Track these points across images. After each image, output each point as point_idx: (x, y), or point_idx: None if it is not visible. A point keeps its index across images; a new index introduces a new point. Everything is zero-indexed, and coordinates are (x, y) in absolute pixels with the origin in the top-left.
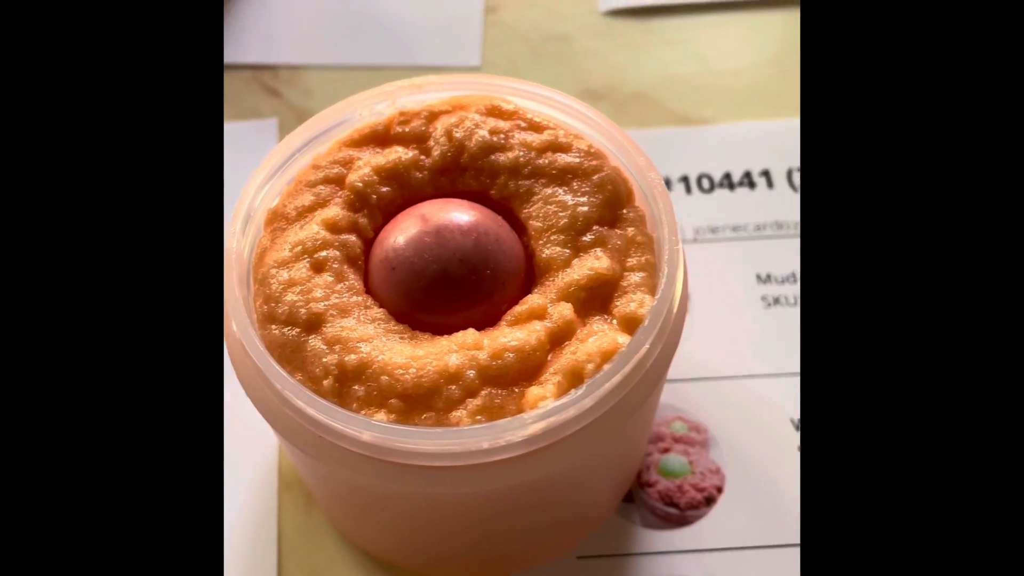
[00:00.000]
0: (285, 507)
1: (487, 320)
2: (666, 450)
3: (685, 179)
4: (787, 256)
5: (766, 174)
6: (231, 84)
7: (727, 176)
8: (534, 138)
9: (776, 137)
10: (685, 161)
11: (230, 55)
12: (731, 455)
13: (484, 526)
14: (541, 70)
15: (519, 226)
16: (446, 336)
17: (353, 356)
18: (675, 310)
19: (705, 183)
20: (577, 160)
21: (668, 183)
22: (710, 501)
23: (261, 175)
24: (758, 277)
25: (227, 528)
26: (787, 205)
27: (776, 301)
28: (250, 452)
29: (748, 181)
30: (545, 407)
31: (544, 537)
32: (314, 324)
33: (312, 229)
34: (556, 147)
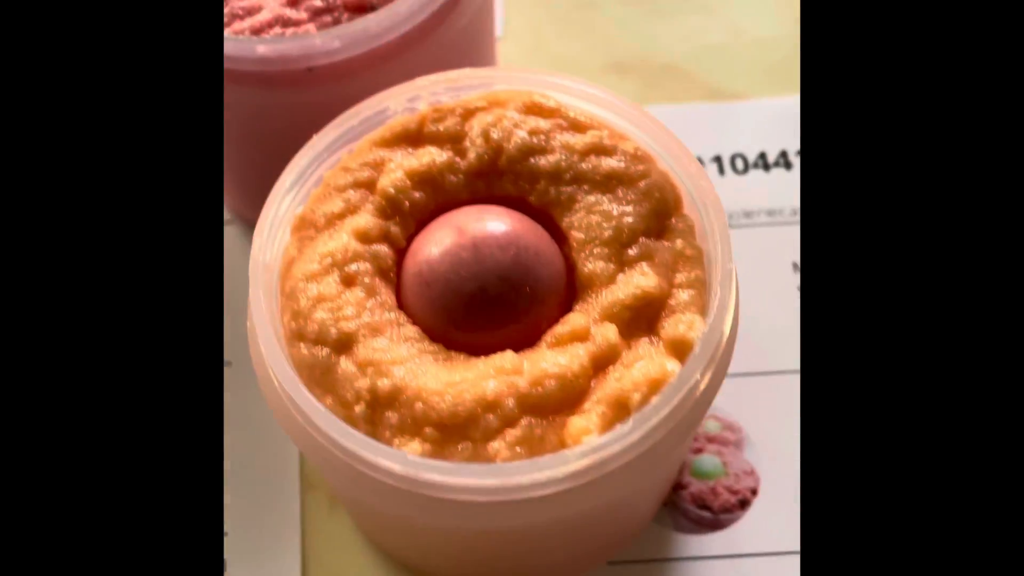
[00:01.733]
0: (308, 508)
1: (526, 339)
2: (698, 450)
3: (718, 159)
4: None
5: None
6: None
7: (762, 156)
8: (577, 140)
9: None
10: (718, 139)
11: None
12: (766, 455)
13: (519, 553)
14: (566, 40)
15: (559, 235)
16: (483, 358)
17: (386, 381)
18: (727, 335)
19: (739, 163)
20: (622, 165)
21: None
22: (744, 504)
23: (289, 177)
24: (794, 266)
25: (250, 530)
26: None
27: None
28: (270, 453)
29: (784, 161)
30: (589, 443)
31: (580, 554)
32: (345, 344)
33: (342, 239)
34: (600, 150)
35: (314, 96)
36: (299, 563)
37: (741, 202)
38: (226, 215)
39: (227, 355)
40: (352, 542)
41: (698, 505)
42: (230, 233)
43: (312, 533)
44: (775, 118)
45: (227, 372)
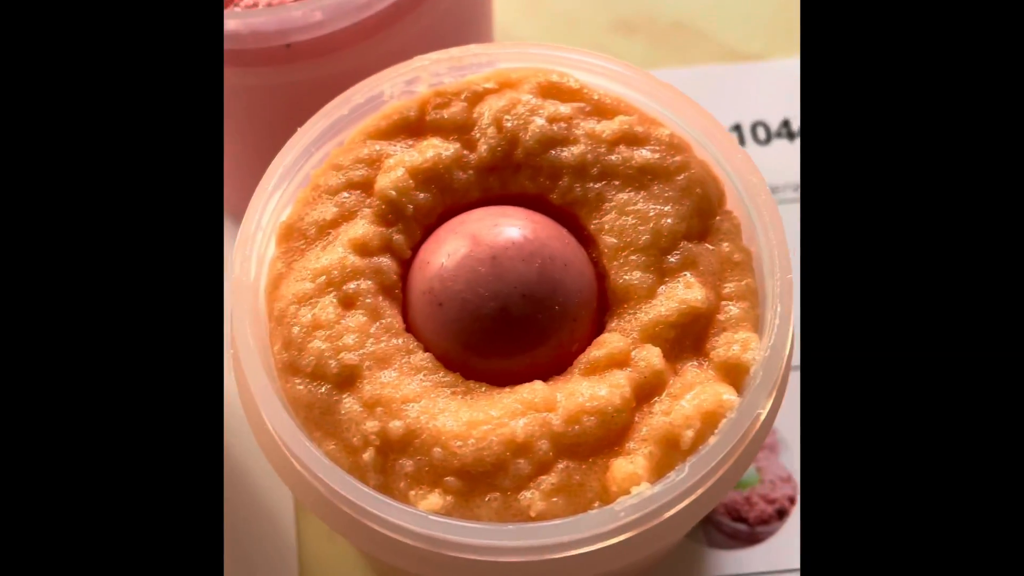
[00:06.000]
0: (305, 535)
1: (555, 365)
2: None
3: (737, 127)
4: None
5: None
6: None
7: (785, 124)
8: (603, 127)
9: None
10: (736, 105)
11: None
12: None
13: None
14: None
15: (587, 239)
16: (508, 390)
17: (398, 423)
18: (787, 356)
19: (760, 132)
20: (657, 156)
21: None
22: (782, 514)
23: (271, 180)
24: None
25: (245, 559)
26: None
27: None
28: (262, 475)
29: None
30: (639, 494)
31: None
32: (348, 380)
33: (337, 253)
34: (631, 139)
35: (294, 76)
36: None
37: (764, 176)
38: None
39: None
40: (355, 568)
41: (732, 517)
42: None
43: (310, 563)
44: (798, 80)
45: None
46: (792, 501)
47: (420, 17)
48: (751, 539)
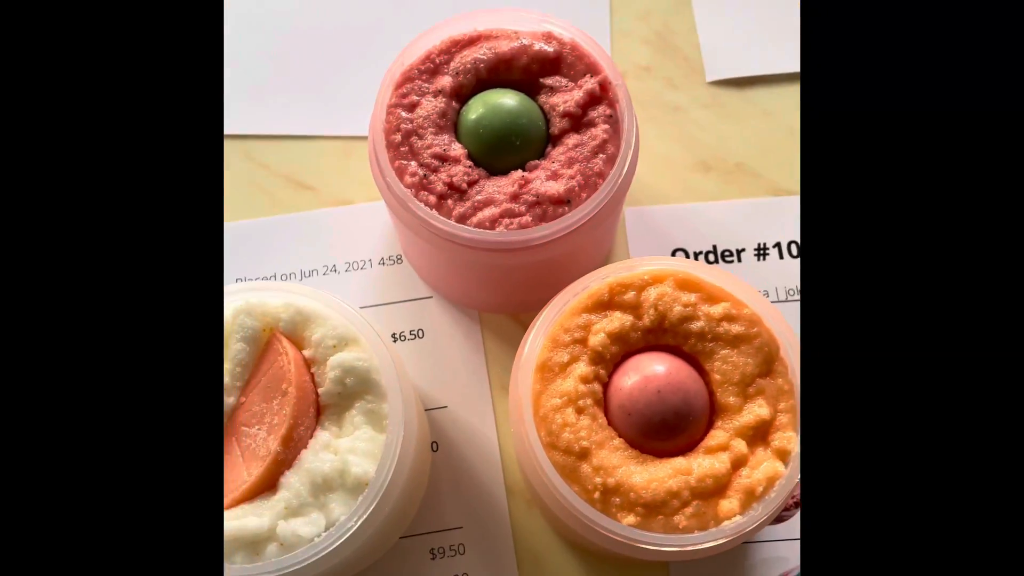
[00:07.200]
0: (513, 509)
1: (689, 447)
2: None
3: (778, 245)
4: None
5: None
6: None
7: None
8: (715, 310)
9: None
10: (778, 228)
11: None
12: None
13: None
14: (660, 140)
15: (704, 374)
16: (664, 460)
17: (612, 479)
18: None
19: (794, 249)
20: (743, 328)
21: (764, 249)
22: (798, 505)
23: (530, 334)
24: None
25: (478, 528)
26: None
27: None
28: (483, 467)
29: None
30: (735, 521)
31: None
32: (583, 454)
33: (571, 383)
34: (729, 318)
35: (530, 257)
36: (512, 545)
37: (796, 280)
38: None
39: (433, 436)
40: (544, 528)
41: None
42: (500, 319)
43: (517, 525)
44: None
45: (436, 454)
46: None
47: (599, 223)
48: (778, 520)
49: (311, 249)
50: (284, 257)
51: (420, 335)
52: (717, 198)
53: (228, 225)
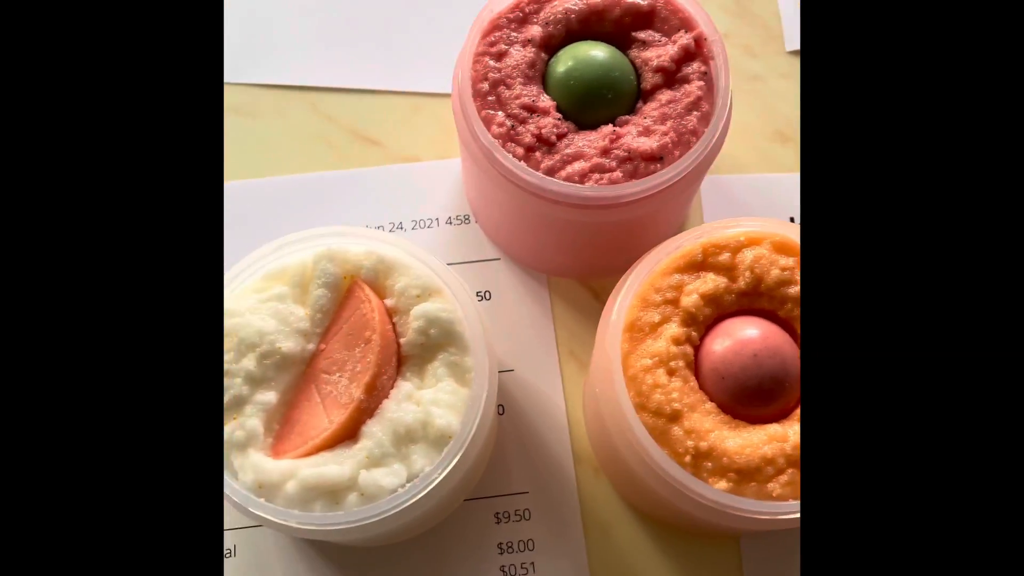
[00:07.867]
0: (580, 476)
1: (783, 413)
2: None
3: None
4: None
5: None
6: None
7: None
8: None
9: None
10: None
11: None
12: None
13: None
14: (737, 109)
15: (798, 339)
16: (759, 426)
17: (704, 443)
18: None
19: None
20: None
21: None
22: None
23: (618, 295)
24: None
25: (544, 494)
26: None
27: None
28: (549, 433)
29: None
30: None
31: None
32: (674, 417)
33: (663, 344)
34: None
35: (615, 216)
36: (579, 513)
37: None
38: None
39: (499, 399)
40: (612, 497)
41: None
42: (569, 284)
43: (584, 495)
44: None
45: (503, 417)
46: None
47: (688, 183)
48: None
49: (377, 205)
50: (349, 212)
51: (487, 296)
52: (794, 170)
53: (291, 178)
